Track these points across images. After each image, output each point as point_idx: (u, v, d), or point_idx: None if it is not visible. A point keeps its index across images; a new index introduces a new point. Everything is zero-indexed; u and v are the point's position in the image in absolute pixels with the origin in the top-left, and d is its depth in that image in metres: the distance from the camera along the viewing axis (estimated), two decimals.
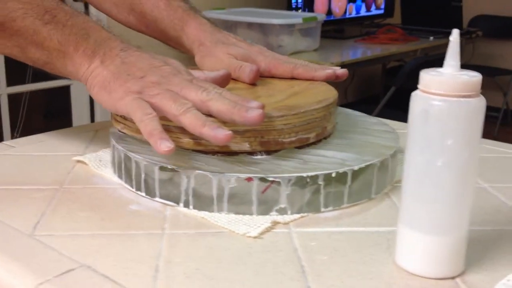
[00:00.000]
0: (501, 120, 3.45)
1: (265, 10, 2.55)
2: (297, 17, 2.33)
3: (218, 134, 0.49)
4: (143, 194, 0.54)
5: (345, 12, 2.96)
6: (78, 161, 0.63)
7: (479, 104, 0.39)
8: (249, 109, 0.51)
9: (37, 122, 2.40)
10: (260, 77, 0.67)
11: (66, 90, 2.37)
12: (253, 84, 0.66)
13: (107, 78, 0.55)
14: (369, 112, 0.73)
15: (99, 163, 0.61)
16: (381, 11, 3.24)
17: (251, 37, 2.28)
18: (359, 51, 2.64)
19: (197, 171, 0.50)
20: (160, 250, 0.45)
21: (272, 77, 0.69)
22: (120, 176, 0.57)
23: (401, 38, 2.81)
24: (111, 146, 0.59)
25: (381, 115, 0.82)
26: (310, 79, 0.68)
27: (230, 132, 0.49)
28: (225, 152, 0.54)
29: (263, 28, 2.27)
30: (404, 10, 3.29)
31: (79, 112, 2.40)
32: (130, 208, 0.52)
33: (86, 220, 0.50)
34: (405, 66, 2.65)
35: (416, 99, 0.40)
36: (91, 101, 2.41)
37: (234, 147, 0.54)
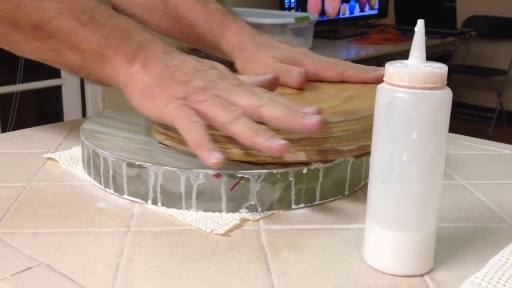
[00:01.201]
0: (495, 120, 3.44)
1: (258, 10, 2.54)
2: (289, 17, 2.32)
3: (273, 144, 0.45)
4: (112, 191, 0.53)
5: (338, 12, 2.96)
6: (49, 159, 0.61)
7: (445, 96, 0.38)
8: (306, 115, 0.47)
9: (28, 122, 2.39)
10: (308, 81, 0.63)
11: (57, 90, 2.36)
12: (301, 88, 0.62)
13: (149, 84, 0.50)
14: None
15: (70, 160, 0.60)
16: (375, 12, 3.23)
17: None
18: (352, 51, 2.63)
19: (164, 167, 0.49)
20: (123, 248, 0.44)
21: (320, 81, 0.65)
22: (89, 173, 0.56)
23: (394, 38, 2.80)
24: (81, 143, 0.58)
25: None
26: (363, 81, 0.64)
27: (286, 142, 0.45)
28: (278, 163, 0.50)
29: (255, 28, 2.26)
30: (398, 10, 3.28)
31: (70, 112, 2.39)
32: (97, 205, 0.51)
33: (50, 218, 0.48)
34: None
35: (381, 92, 0.39)
36: (83, 101, 2.40)
37: (289, 157, 0.50)
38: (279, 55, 0.65)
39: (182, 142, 0.49)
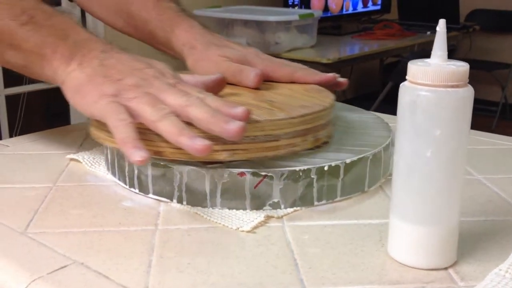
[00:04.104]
0: (499, 114, 3.44)
1: (262, 8, 2.54)
2: (293, 14, 2.33)
3: (195, 144, 0.46)
4: (136, 191, 0.54)
5: (341, 8, 2.96)
6: (72, 159, 0.63)
7: (467, 93, 0.39)
8: (229, 120, 0.47)
9: (35, 123, 2.40)
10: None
11: None
12: (256, 88, 0.61)
13: (82, 81, 0.52)
14: (367, 107, 0.73)
15: (92, 161, 0.61)
16: (378, 7, 3.23)
17: (248, 35, 2.28)
18: (356, 47, 2.64)
19: (189, 166, 0.50)
20: (153, 246, 0.45)
21: (269, 81, 0.65)
22: (113, 174, 0.57)
23: (398, 33, 2.80)
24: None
25: (379, 110, 0.82)
26: (311, 83, 0.64)
27: (209, 142, 0.46)
28: (211, 162, 0.50)
29: (259, 26, 2.27)
30: (401, 5, 3.28)
31: (77, 113, 2.40)
32: (123, 205, 0.52)
33: (79, 217, 0.50)
34: (402, 62, 2.65)
35: (404, 90, 0.40)
36: None
37: (217, 156, 0.50)
38: (229, 54, 0.65)
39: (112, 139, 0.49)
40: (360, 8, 3.10)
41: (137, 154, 0.46)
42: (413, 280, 0.40)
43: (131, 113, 0.49)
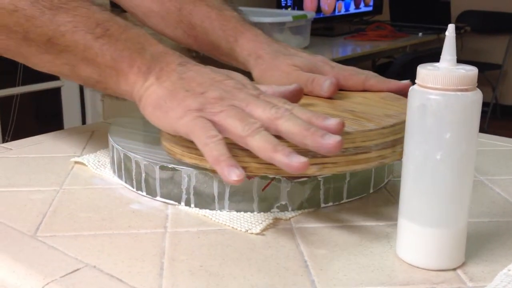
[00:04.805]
0: (490, 114, 3.47)
1: (255, 9, 2.55)
2: (287, 15, 2.34)
3: (292, 161, 0.43)
4: (144, 193, 0.54)
5: (334, 10, 2.97)
6: (77, 162, 0.63)
7: (476, 97, 0.40)
8: (325, 134, 0.44)
9: (28, 125, 2.39)
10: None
11: (57, 92, 2.37)
12: (330, 98, 0.59)
13: (163, 96, 0.49)
14: None
15: (97, 163, 0.61)
16: (370, 8, 3.25)
17: None
18: (349, 48, 2.65)
19: (197, 169, 0.51)
20: (163, 249, 0.45)
21: (341, 89, 0.62)
22: (120, 176, 0.57)
23: (390, 34, 2.82)
24: (110, 147, 0.59)
25: None
26: (385, 91, 0.61)
27: (305, 159, 0.43)
28: (297, 177, 0.49)
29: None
30: (392, 6, 3.30)
31: (70, 114, 2.39)
32: (131, 207, 0.52)
33: (88, 220, 0.50)
34: (395, 63, 2.67)
35: (414, 94, 0.41)
36: (82, 103, 2.41)
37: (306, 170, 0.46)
38: (299, 63, 0.63)
39: (201, 157, 0.47)
40: (352, 9, 3.12)
41: (233, 174, 0.44)
42: (423, 280, 0.41)
43: (218, 128, 0.47)
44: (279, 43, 0.67)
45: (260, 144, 0.45)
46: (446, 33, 0.40)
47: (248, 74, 0.65)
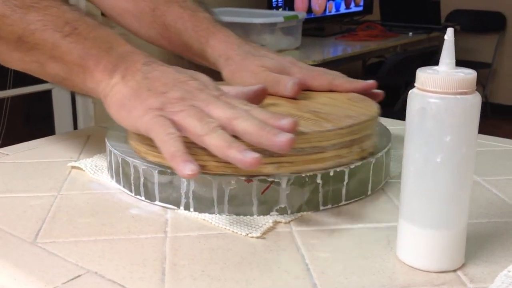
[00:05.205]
0: (480, 113, 3.49)
1: (246, 10, 2.55)
2: (278, 16, 2.34)
3: (245, 157, 0.44)
4: (143, 198, 0.54)
5: (325, 10, 2.98)
6: (74, 167, 0.63)
7: (475, 100, 0.40)
8: (278, 133, 0.46)
9: (19, 128, 2.38)
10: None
11: (47, 94, 2.36)
12: (294, 98, 0.60)
13: (126, 95, 0.51)
14: None
15: (95, 168, 0.61)
16: (360, 8, 3.27)
17: None
18: (340, 48, 2.66)
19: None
20: (164, 253, 0.45)
21: (308, 90, 0.63)
22: (118, 181, 0.57)
23: (380, 34, 2.83)
24: (107, 151, 0.59)
25: None
26: (351, 91, 0.63)
27: (258, 155, 0.44)
28: (255, 176, 0.50)
29: (244, 28, 2.27)
30: (383, 6, 3.32)
31: (61, 117, 2.38)
32: (130, 212, 0.52)
33: (87, 226, 0.50)
34: (386, 62, 2.67)
35: (413, 97, 0.41)
36: (73, 106, 2.40)
37: (263, 169, 0.49)
38: (267, 64, 0.64)
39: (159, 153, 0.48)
40: (342, 9, 3.13)
41: (187, 168, 0.45)
42: (424, 282, 0.41)
43: (177, 127, 0.48)
44: (250, 44, 0.68)
45: (216, 142, 0.46)
46: (445, 37, 0.40)
47: (219, 74, 0.67)
